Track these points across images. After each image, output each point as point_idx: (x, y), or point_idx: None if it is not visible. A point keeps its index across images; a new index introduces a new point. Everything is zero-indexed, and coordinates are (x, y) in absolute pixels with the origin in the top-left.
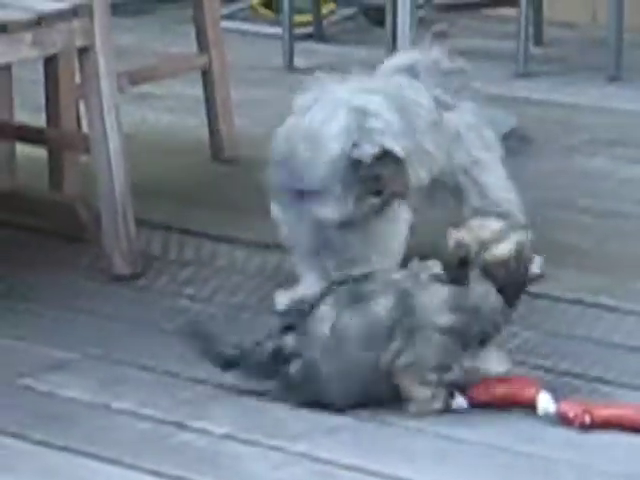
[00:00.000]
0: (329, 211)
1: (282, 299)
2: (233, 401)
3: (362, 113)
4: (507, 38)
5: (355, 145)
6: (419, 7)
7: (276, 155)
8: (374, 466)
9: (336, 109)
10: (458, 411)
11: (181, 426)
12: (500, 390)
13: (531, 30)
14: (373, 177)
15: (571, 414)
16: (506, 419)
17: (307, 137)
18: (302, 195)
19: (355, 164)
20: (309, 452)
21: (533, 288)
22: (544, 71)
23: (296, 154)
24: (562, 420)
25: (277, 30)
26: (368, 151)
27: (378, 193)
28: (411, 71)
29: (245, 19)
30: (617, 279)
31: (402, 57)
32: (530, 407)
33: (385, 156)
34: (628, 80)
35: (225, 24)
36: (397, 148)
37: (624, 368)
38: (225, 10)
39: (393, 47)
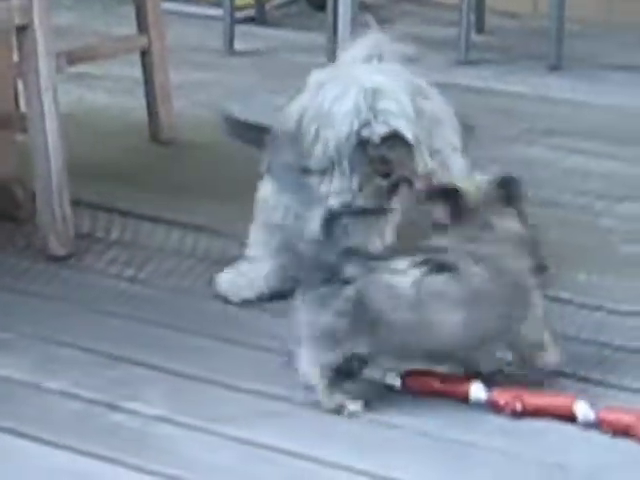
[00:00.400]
0: (334, 190)
1: (223, 279)
2: (167, 382)
3: (375, 93)
4: (449, 25)
5: (365, 125)
6: None
7: (284, 131)
8: (311, 451)
9: (349, 87)
10: (393, 398)
11: (113, 407)
12: (437, 384)
13: (473, 18)
14: (381, 159)
15: (502, 401)
16: (440, 406)
17: (318, 114)
18: (308, 173)
19: (364, 144)
20: (244, 436)
21: None
22: (485, 59)
23: (306, 131)
24: (493, 408)
25: (219, 12)
26: (378, 131)
27: (385, 176)
28: (379, 59)
29: (187, 1)
30: (557, 269)
31: (365, 44)
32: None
33: (395, 139)
34: (568, 69)
35: (167, 6)
36: (408, 132)
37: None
38: None
39: (334, 32)
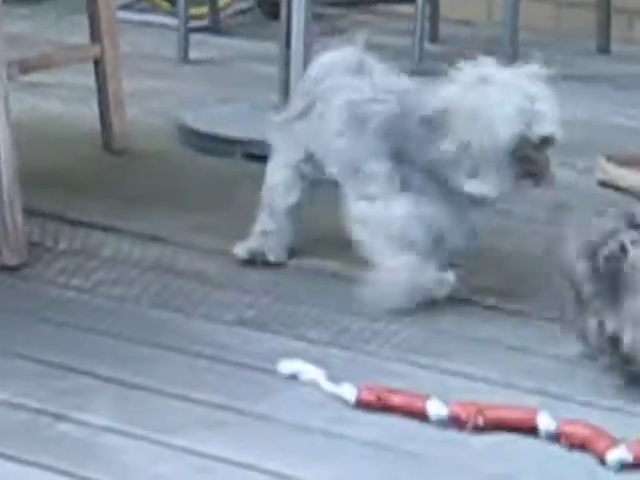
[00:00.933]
0: (488, 189)
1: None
2: (115, 392)
3: (532, 97)
4: (403, 34)
5: (526, 127)
6: (315, 2)
7: (438, 128)
8: (257, 462)
9: (509, 91)
10: (343, 409)
11: (60, 417)
12: (395, 399)
13: (427, 27)
14: (533, 160)
15: (463, 416)
16: (392, 418)
17: (478, 115)
18: (457, 171)
19: (521, 145)
20: (189, 446)
21: None
22: (439, 68)
23: (461, 130)
24: (455, 423)
25: (173, 21)
26: (538, 134)
27: (529, 176)
28: (361, 69)
29: (142, 10)
30: (504, 279)
31: (342, 55)
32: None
33: (545, 141)
34: None
35: (122, 15)
36: (559, 134)
37: (511, 368)
38: (122, 1)
39: (287, 41)
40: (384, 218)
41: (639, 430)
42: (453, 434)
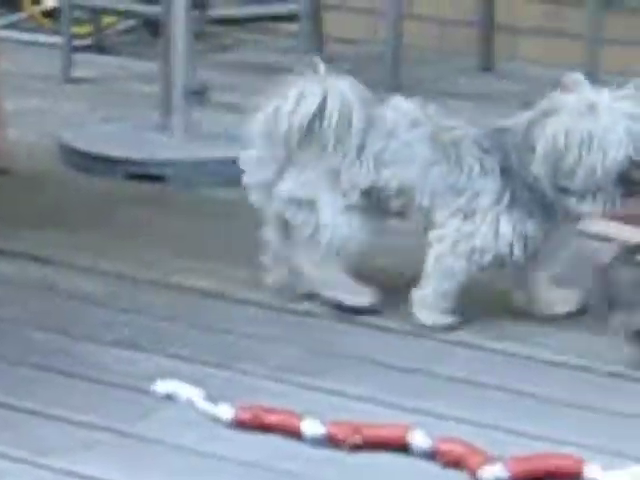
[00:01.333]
0: (598, 208)
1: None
2: None
3: (636, 119)
4: (289, 52)
5: (636, 149)
6: (197, 20)
7: (546, 151)
8: None
9: (618, 116)
10: (219, 428)
11: None
12: (271, 418)
13: (312, 45)
14: (636, 180)
15: (340, 435)
16: (269, 437)
17: (588, 139)
18: (565, 193)
19: (628, 167)
20: (70, 468)
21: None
22: None
23: (571, 153)
24: (331, 442)
25: (56, 40)
26: None
27: (631, 195)
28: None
29: (26, 29)
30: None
31: (316, 86)
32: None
33: None
34: (405, 96)
35: (4, 33)
36: None
37: (389, 387)
38: (5, 20)
39: (166, 60)
40: (486, 236)
41: (516, 448)
42: (331, 453)
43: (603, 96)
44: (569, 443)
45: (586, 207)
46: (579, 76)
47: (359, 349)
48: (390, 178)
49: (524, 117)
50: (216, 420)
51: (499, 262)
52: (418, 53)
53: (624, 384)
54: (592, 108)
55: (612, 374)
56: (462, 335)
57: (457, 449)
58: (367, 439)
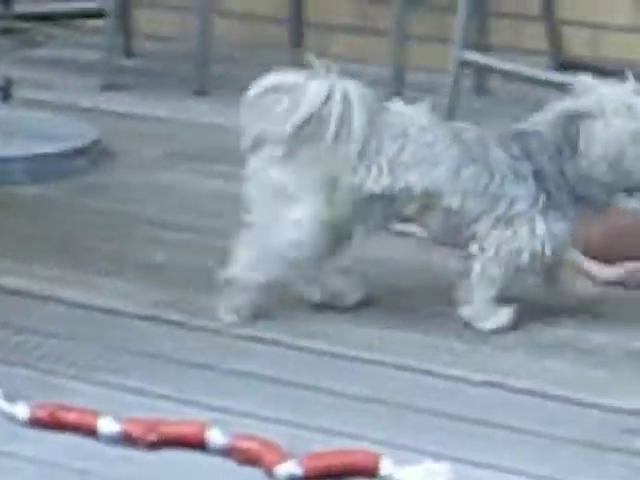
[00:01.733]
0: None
1: None
2: None
3: None
4: (97, 49)
5: None
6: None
7: (605, 153)
8: None
9: None
10: (16, 427)
11: None
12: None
13: (120, 41)
14: None
15: (135, 433)
16: (64, 436)
17: (634, 137)
18: (626, 192)
19: None
20: None
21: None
22: (132, 84)
23: (629, 154)
24: (126, 440)
25: None
26: None
27: None
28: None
29: None
30: (184, 294)
31: (320, 85)
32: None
33: None
34: (214, 93)
35: None
36: None
37: (190, 385)
38: None
39: None
40: (523, 237)
41: (318, 444)
42: (130, 452)
43: (637, 97)
44: (369, 439)
45: (633, 202)
46: (590, 79)
47: (161, 347)
48: (415, 181)
49: (545, 120)
50: (12, 419)
51: (532, 262)
52: (228, 50)
53: (425, 380)
54: (630, 108)
55: (403, 367)
56: (259, 331)
57: (253, 446)
58: (163, 437)
